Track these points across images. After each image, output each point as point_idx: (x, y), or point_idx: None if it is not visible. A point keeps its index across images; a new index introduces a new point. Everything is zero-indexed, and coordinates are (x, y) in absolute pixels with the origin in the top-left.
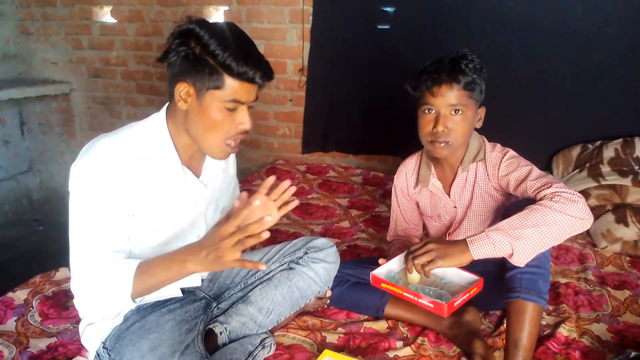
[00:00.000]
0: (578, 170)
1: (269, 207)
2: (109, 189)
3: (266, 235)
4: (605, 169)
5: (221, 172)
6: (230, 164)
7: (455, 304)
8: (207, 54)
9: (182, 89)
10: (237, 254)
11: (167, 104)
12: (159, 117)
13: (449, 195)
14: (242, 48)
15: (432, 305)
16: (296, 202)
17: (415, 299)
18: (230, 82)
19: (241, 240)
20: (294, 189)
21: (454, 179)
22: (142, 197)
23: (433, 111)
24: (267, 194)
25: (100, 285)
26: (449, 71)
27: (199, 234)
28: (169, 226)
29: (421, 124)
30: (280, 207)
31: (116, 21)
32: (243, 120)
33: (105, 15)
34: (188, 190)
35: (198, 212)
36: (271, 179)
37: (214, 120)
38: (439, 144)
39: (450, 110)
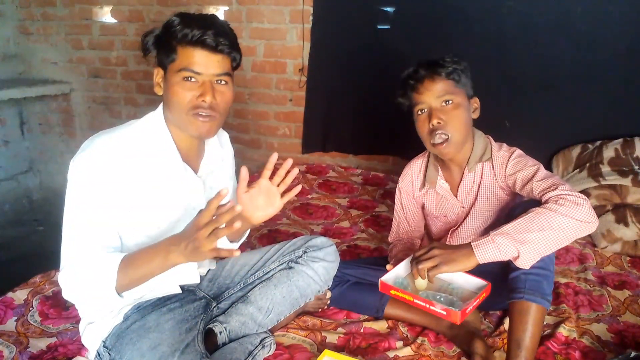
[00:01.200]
0: (578, 170)
1: (272, 193)
2: (105, 183)
3: (237, 225)
4: (605, 169)
5: (219, 170)
6: (228, 164)
7: (467, 311)
8: (167, 32)
9: (156, 74)
10: (213, 244)
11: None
12: (157, 113)
13: (457, 196)
14: (194, 17)
15: (444, 313)
16: (299, 188)
17: (428, 306)
18: (180, 50)
19: (215, 230)
20: (296, 171)
21: (461, 180)
22: (140, 192)
23: (425, 110)
24: (270, 178)
25: (85, 278)
26: (427, 66)
27: None
28: (164, 222)
29: (419, 126)
30: (283, 194)
31: (116, 21)
32: (202, 91)
33: (105, 15)
34: (186, 186)
35: (194, 209)
36: (274, 157)
37: (175, 93)
38: (441, 145)
39: (440, 102)
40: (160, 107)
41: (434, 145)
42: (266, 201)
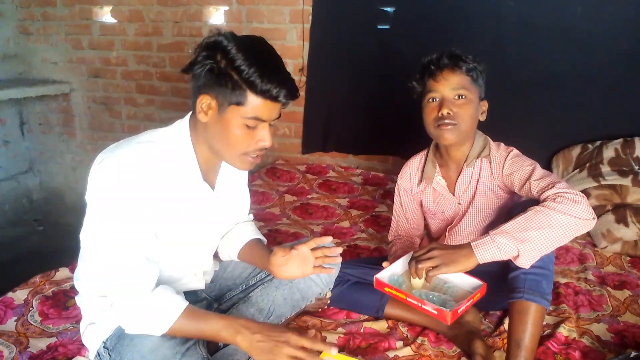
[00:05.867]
0: (578, 170)
1: (307, 261)
2: (134, 197)
3: None
4: (605, 169)
5: (234, 184)
6: (242, 177)
7: (459, 311)
8: (232, 68)
9: (204, 102)
10: None
11: (189, 113)
12: (182, 127)
13: (454, 193)
14: (268, 65)
15: (436, 312)
16: (333, 271)
17: (420, 305)
18: (252, 99)
19: (299, 358)
20: (339, 259)
21: (459, 176)
22: (159, 207)
23: (437, 99)
24: (314, 249)
25: (142, 311)
26: (450, 57)
27: (207, 249)
28: (180, 236)
29: (426, 113)
30: (315, 267)
31: (116, 21)
32: (263, 137)
33: (105, 15)
34: (203, 202)
35: (209, 225)
36: (327, 239)
37: (233, 136)
38: (446, 126)
39: (454, 95)
40: (187, 120)
41: (438, 126)
42: (298, 265)
